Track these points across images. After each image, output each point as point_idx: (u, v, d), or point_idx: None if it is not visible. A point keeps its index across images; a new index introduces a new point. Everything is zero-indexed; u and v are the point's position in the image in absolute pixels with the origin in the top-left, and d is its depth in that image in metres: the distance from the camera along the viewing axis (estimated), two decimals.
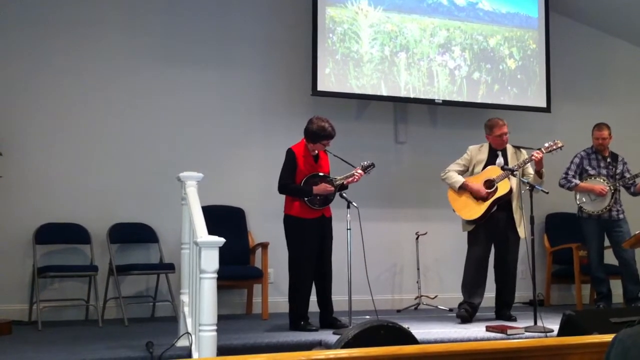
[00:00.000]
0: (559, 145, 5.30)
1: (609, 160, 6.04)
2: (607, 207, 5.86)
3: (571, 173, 6.05)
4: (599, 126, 6.07)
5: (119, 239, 5.80)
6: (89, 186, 5.81)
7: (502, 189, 5.28)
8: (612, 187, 5.89)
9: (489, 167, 5.40)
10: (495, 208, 5.32)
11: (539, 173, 5.31)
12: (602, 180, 5.93)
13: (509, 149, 5.50)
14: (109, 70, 5.97)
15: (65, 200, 5.73)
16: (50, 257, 5.59)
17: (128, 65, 6.03)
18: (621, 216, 5.96)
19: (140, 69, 6.07)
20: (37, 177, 5.70)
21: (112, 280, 5.60)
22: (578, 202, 6.01)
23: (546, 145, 5.30)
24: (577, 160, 6.10)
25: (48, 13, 5.85)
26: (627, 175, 5.99)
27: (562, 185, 6.07)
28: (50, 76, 5.82)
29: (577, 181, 6.00)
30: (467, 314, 5.26)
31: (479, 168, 5.45)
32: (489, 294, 5.57)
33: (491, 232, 5.37)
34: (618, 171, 6.00)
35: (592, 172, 6.00)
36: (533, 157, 5.24)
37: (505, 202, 5.33)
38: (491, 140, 5.50)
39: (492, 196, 5.29)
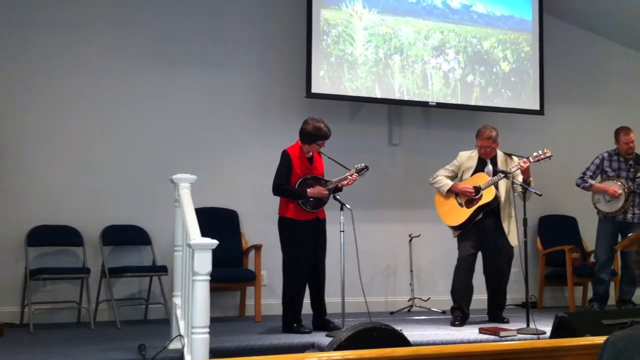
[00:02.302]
0: (548, 154, 5.19)
1: (630, 162, 5.97)
2: (622, 209, 5.83)
3: (589, 173, 6.03)
4: (625, 130, 5.97)
5: (112, 241, 5.78)
6: (81, 188, 5.79)
7: (486, 196, 5.26)
8: (627, 189, 5.84)
9: (477, 173, 5.39)
10: (480, 215, 5.30)
11: (526, 182, 5.20)
12: (618, 183, 5.88)
13: (500, 156, 5.46)
14: (102, 72, 5.95)
15: (58, 202, 5.70)
16: (43, 259, 5.57)
17: (121, 66, 6.01)
18: (636, 220, 5.88)
19: (134, 70, 6.04)
20: (29, 179, 5.67)
21: (104, 282, 5.58)
22: (593, 202, 6.01)
23: (534, 154, 5.22)
24: (597, 161, 6.06)
25: (40, 15, 5.81)
26: None
27: (578, 185, 6.06)
28: (43, 78, 5.79)
29: (593, 181, 5.99)
30: (460, 322, 5.24)
31: (467, 175, 5.43)
32: (482, 296, 5.57)
33: (479, 239, 5.35)
34: (639, 174, 5.91)
35: (611, 173, 5.97)
36: (519, 166, 5.19)
37: (493, 209, 5.30)
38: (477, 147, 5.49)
39: (476, 203, 5.28)
